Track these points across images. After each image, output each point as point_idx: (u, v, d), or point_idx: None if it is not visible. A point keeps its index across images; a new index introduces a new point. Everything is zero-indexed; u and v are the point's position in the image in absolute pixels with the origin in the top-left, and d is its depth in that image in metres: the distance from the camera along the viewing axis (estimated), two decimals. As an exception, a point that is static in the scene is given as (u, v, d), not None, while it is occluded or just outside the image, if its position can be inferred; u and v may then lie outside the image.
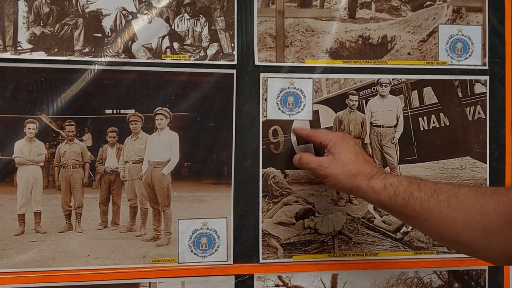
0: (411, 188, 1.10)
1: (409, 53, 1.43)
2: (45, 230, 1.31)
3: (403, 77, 1.43)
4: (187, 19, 1.34)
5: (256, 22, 1.36)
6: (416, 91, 1.43)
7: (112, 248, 1.33)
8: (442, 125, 1.44)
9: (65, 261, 1.31)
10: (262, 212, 1.37)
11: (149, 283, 1.34)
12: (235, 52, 1.35)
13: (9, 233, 1.29)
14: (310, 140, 1.34)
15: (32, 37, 1.28)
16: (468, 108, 1.44)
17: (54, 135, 1.30)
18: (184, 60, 1.34)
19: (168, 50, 1.33)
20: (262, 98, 1.37)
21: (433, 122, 1.43)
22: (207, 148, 1.35)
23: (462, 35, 1.44)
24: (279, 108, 1.38)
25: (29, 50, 1.28)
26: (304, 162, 1.28)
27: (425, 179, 1.19)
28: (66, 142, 1.31)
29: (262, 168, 1.37)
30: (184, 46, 1.34)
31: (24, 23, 1.28)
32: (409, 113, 1.43)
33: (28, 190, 1.30)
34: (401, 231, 1.43)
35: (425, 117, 1.43)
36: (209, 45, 1.34)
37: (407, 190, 1.10)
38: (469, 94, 1.44)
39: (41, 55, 1.28)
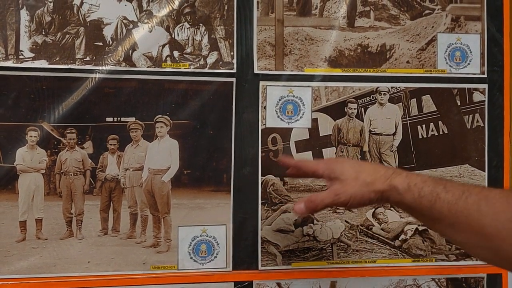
0: (437, 189, 1.00)
1: (408, 62, 1.43)
2: (46, 236, 1.31)
3: (402, 85, 1.43)
4: (187, 28, 1.34)
5: (256, 30, 1.37)
6: (415, 99, 1.43)
7: (112, 254, 1.33)
8: (441, 133, 1.44)
9: (66, 267, 1.31)
10: (261, 219, 1.38)
11: (149, 289, 1.35)
12: (234, 61, 1.36)
13: (11, 240, 1.30)
14: (299, 171, 1.20)
15: (34, 46, 1.29)
16: (467, 116, 1.44)
17: (55, 142, 1.31)
18: (184, 68, 1.34)
19: (168, 58, 1.34)
20: (261, 106, 1.37)
21: (432, 130, 1.43)
22: (206, 156, 1.36)
23: (461, 43, 1.44)
24: (278, 116, 1.38)
25: (31, 59, 1.29)
26: (319, 202, 1.11)
27: (451, 180, 1.12)
28: (67, 150, 1.31)
29: (261, 175, 1.38)
30: (184, 55, 1.34)
31: (26, 32, 1.29)
32: (408, 121, 1.43)
33: (29, 197, 1.30)
34: (400, 239, 1.43)
35: (423, 125, 1.43)
36: (209, 53, 1.35)
37: (433, 192, 1.00)
38: (467, 102, 1.44)
39: (42, 63, 1.29)
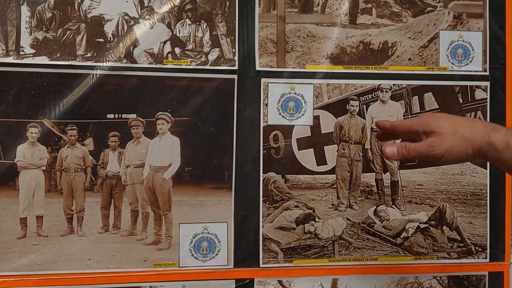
0: None
1: (410, 59, 1.41)
2: (47, 233, 1.30)
3: (404, 82, 1.41)
4: (189, 25, 1.33)
5: (257, 27, 1.35)
6: (416, 96, 1.42)
7: (113, 251, 1.32)
8: (443, 130, 1.42)
9: (66, 264, 1.30)
10: (263, 217, 1.36)
11: (150, 286, 1.33)
12: (236, 58, 1.34)
13: (11, 237, 1.28)
14: (395, 131, 1.13)
15: (35, 42, 1.27)
16: (469, 113, 1.43)
17: (56, 139, 1.30)
18: (186, 65, 1.33)
19: (169, 55, 1.32)
20: (263, 103, 1.36)
21: (434, 128, 1.42)
22: (208, 153, 1.34)
23: (463, 41, 1.42)
24: (280, 113, 1.36)
25: (31, 55, 1.27)
26: (412, 151, 1.07)
27: None
28: (68, 146, 1.30)
29: (263, 173, 1.36)
30: (186, 51, 1.33)
31: (27, 28, 1.27)
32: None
33: (30, 193, 1.29)
34: (401, 236, 1.41)
35: (425, 123, 1.41)
36: (210, 50, 1.33)
37: None
38: (469, 99, 1.43)
39: (43, 59, 1.27)
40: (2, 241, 1.27)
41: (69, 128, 1.29)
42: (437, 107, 1.42)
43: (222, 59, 1.34)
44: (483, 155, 1.03)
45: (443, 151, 1.03)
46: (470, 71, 1.43)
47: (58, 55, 1.28)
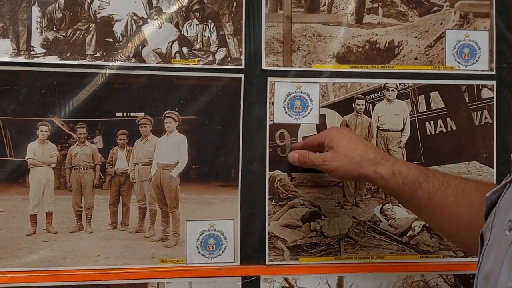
0: (420, 178, 1.07)
1: (416, 58, 1.39)
2: (57, 230, 1.29)
3: (410, 81, 1.38)
4: (196, 25, 1.31)
5: (264, 27, 1.33)
6: (423, 95, 1.39)
7: (121, 248, 1.30)
8: (449, 129, 1.39)
9: (75, 260, 1.29)
10: (269, 215, 1.34)
11: (158, 283, 1.31)
12: (243, 57, 1.32)
13: (22, 233, 1.27)
14: (307, 147, 1.30)
15: (45, 42, 1.26)
16: (475, 113, 1.40)
17: (66, 137, 1.28)
18: (193, 64, 1.31)
19: (177, 54, 1.31)
20: (269, 102, 1.34)
21: (440, 127, 1.39)
22: (214, 151, 1.32)
23: (469, 40, 1.39)
24: (286, 112, 1.34)
25: (42, 54, 1.26)
26: (308, 160, 1.25)
27: (434, 169, 1.14)
28: (77, 144, 1.29)
29: (269, 171, 1.34)
30: (193, 51, 1.31)
31: (37, 28, 1.26)
32: (416, 118, 1.39)
33: (40, 191, 1.28)
34: (408, 235, 1.38)
35: (432, 122, 1.39)
36: (217, 49, 1.32)
37: (416, 180, 1.07)
38: (476, 99, 1.40)
39: (54, 59, 1.26)
40: (12, 238, 1.26)
41: (79, 126, 1.28)
42: (444, 106, 1.39)
43: (229, 58, 1.32)
44: (370, 181, 1.17)
45: (333, 167, 1.18)
46: (477, 70, 1.40)
47: (68, 54, 1.27)
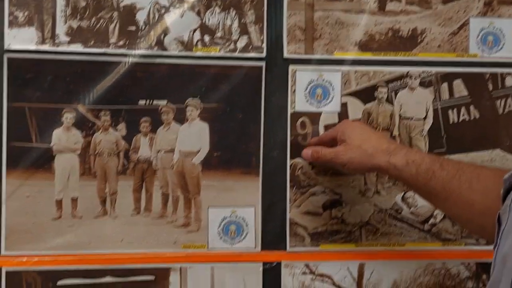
0: (433, 167, 1.06)
1: (439, 46, 1.37)
2: (81, 215, 1.30)
3: (433, 69, 1.36)
4: (218, 13, 1.31)
5: (286, 15, 1.32)
6: (446, 83, 1.37)
7: (145, 233, 1.32)
8: (472, 118, 1.37)
9: (100, 245, 1.30)
10: (290, 202, 1.34)
11: (180, 267, 1.32)
12: (264, 45, 1.32)
13: (47, 218, 1.29)
14: (322, 142, 1.28)
15: (70, 30, 1.27)
16: (499, 101, 1.37)
17: (90, 124, 1.30)
18: (215, 52, 1.31)
19: (199, 43, 1.31)
20: (291, 90, 1.33)
21: (463, 115, 1.37)
22: (236, 139, 1.33)
23: (494, 28, 1.37)
24: (307, 100, 1.34)
25: (66, 43, 1.27)
26: (321, 155, 1.23)
27: (447, 158, 1.13)
28: (101, 132, 1.30)
29: (290, 158, 1.34)
30: (215, 39, 1.31)
31: (62, 17, 1.27)
32: (439, 106, 1.37)
33: (65, 176, 1.30)
34: (429, 223, 1.37)
35: (455, 110, 1.37)
36: (239, 38, 1.31)
37: (430, 169, 1.06)
38: (499, 86, 1.37)
39: (78, 47, 1.27)
40: (38, 222, 1.28)
41: (103, 113, 1.29)
42: (467, 94, 1.37)
43: (251, 47, 1.32)
44: (384, 172, 1.16)
45: (345, 160, 1.17)
46: (501, 58, 1.37)
47: (92, 43, 1.28)
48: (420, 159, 1.08)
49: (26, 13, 1.26)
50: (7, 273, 1.27)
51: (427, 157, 1.09)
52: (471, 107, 1.37)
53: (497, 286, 0.72)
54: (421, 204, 1.37)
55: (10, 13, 1.25)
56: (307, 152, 1.28)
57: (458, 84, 1.37)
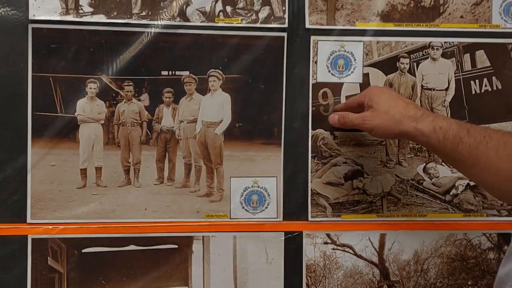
0: (461, 133, 1.06)
1: (461, 16, 1.35)
2: (106, 184, 1.31)
3: (455, 40, 1.35)
4: (240, -17, 1.31)
5: (308, -15, 1.32)
6: (468, 54, 1.35)
7: (168, 202, 1.32)
8: (495, 88, 1.36)
9: (124, 214, 1.31)
10: (311, 172, 1.34)
11: (203, 236, 1.33)
12: (286, 15, 1.31)
13: (72, 186, 1.30)
14: (348, 108, 1.28)
15: (93, 1, 1.28)
16: (523, 71, 1.36)
17: (113, 94, 1.30)
18: (237, 23, 1.30)
19: (221, 13, 1.30)
20: (312, 61, 1.32)
21: (485, 86, 1.36)
22: (258, 110, 1.32)
23: (517, -3, 1.35)
24: (329, 71, 1.33)
25: (90, 13, 1.28)
26: (348, 120, 1.24)
27: (474, 124, 1.12)
28: (125, 102, 1.31)
29: (312, 129, 1.33)
30: (237, 10, 1.31)
31: (88, -13, 1.28)
32: (461, 77, 1.35)
33: (89, 146, 1.31)
34: (451, 194, 1.36)
35: (477, 81, 1.36)
36: (260, 8, 1.31)
37: (457, 135, 1.06)
38: (523, 57, 1.36)
39: (101, 18, 1.28)
40: (64, 191, 1.30)
41: (126, 84, 1.30)
42: (489, 64, 1.35)
43: (272, 17, 1.31)
44: (411, 138, 1.15)
45: (373, 126, 1.17)
46: (524, 28, 1.36)
47: (115, 13, 1.28)
48: (447, 125, 1.08)
49: (50, -16, 1.26)
50: (33, 240, 1.29)
51: (454, 123, 1.09)
52: (494, 78, 1.35)
53: None
54: (443, 174, 1.36)
55: (35, -16, 1.26)
56: (333, 117, 1.29)
57: (481, 55, 1.35)
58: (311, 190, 1.34)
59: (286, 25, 1.31)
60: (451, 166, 1.33)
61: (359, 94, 1.27)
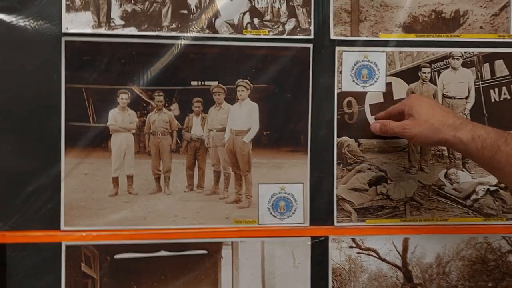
0: (498, 141, 1.08)
1: (481, 27, 1.37)
2: (137, 192, 1.33)
3: (475, 50, 1.37)
4: (267, -4, 1.33)
5: (332, -2, 1.34)
6: (487, 63, 1.37)
7: (197, 209, 1.34)
8: (514, 96, 1.38)
9: (155, 220, 1.33)
10: (337, 179, 1.36)
11: (232, 242, 1.35)
12: (311, 27, 1.33)
13: (105, 194, 1.32)
14: (389, 116, 1.30)
15: (124, 14, 1.29)
16: (540, 80, 1.38)
17: (144, 104, 1.32)
18: (264, 35, 1.32)
19: (248, 25, 1.32)
20: (337, 71, 1.34)
21: (504, 94, 1.38)
22: (284, 118, 1.34)
23: (535, 8, 1.38)
24: (354, 81, 1.35)
25: (121, 26, 1.29)
26: (389, 128, 1.25)
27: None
28: (155, 111, 1.32)
29: (337, 137, 1.35)
30: (264, 22, 1.32)
31: (116, 1, 1.29)
32: (481, 85, 1.38)
33: (121, 155, 1.32)
34: (471, 198, 1.39)
35: (496, 89, 1.38)
36: (287, 20, 1.33)
37: (495, 144, 1.08)
38: (541, 66, 1.38)
39: (132, 30, 1.29)
40: (96, 199, 1.31)
41: (156, 94, 1.31)
42: (508, 73, 1.37)
43: (298, 29, 1.33)
44: (450, 146, 1.18)
45: (413, 134, 1.19)
46: (542, 38, 1.38)
47: (146, 26, 1.29)
48: (485, 134, 1.10)
49: (83, -2, 1.28)
50: (67, 247, 1.30)
51: (493, 132, 1.11)
52: (512, 86, 1.38)
53: None
54: (464, 180, 1.38)
55: (68, -2, 1.27)
56: (375, 125, 1.30)
57: (500, 64, 1.37)
58: (337, 196, 1.36)
59: (311, 37, 1.33)
60: (473, 172, 1.36)
61: (400, 102, 1.28)
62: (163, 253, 1.33)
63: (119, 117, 1.31)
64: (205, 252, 1.34)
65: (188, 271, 1.34)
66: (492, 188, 1.38)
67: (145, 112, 1.32)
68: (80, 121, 1.30)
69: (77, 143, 1.30)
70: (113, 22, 1.29)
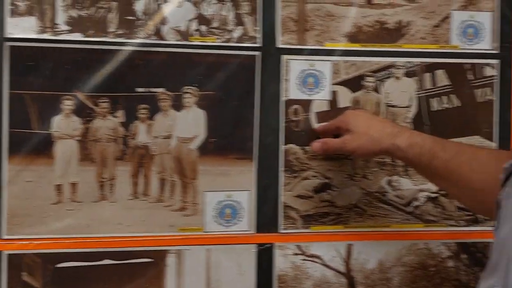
0: (435, 148, 1.10)
1: (422, 38, 1.40)
2: (81, 199, 1.30)
3: (417, 60, 1.40)
4: (214, 4, 1.32)
5: (279, 6, 1.33)
6: (429, 73, 1.40)
7: (142, 217, 1.32)
8: (454, 106, 1.41)
9: (99, 228, 1.30)
10: (283, 186, 1.36)
11: (177, 250, 1.33)
12: (258, 35, 1.33)
13: (48, 202, 1.28)
14: (328, 130, 1.31)
15: (70, 19, 1.26)
16: (479, 90, 1.41)
17: (89, 111, 1.29)
18: (211, 42, 1.32)
19: (196, 32, 1.31)
20: (284, 79, 1.35)
21: (444, 103, 1.41)
22: (231, 125, 1.33)
23: (474, 20, 1.41)
24: (300, 89, 1.35)
25: (67, 32, 1.26)
26: (330, 146, 1.26)
27: (449, 140, 1.19)
28: (100, 118, 1.30)
29: (283, 144, 1.35)
30: (211, 29, 1.32)
31: (62, 6, 1.26)
32: (422, 95, 1.40)
33: (65, 162, 1.29)
34: (413, 205, 1.41)
35: (437, 98, 1.41)
36: (234, 28, 1.32)
37: (432, 150, 1.09)
38: (479, 76, 1.41)
39: (77, 36, 1.26)
40: (39, 206, 1.27)
41: (101, 101, 1.29)
42: (448, 83, 1.40)
43: (246, 37, 1.33)
44: (390, 154, 1.19)
45: (354, 147, 1.21)
46: (480, 49, 1.41)
47: (92, 32, 1.27)
48: (422, 140, 1.12)
49: (27, 3, 1.24)
50: (9, 256, 1.26)
51: (429, 139, 1.13)
52: (452, 96, 1.41)
53: (494, 269, 0.74)
54: (406, 187, 1.40)
55: (11, 2, 1.23)
56: (316, 145, 1.30)
57: (440, 74, 1.40)
58: (283, 203, 1.36)
59: (259, 44, 1.33)
60: (415, 179, 1.38)
61: (336, 118, 1.29)
62: (107, 261, 1.31)
63: (63, 123, 1.28)
64: (150, 260, 1.33)
65: (132, 280, 1.32)
66: (433, 195, 1.40)
67: (90, 118, 1.29)
68: (23, 128, 1.26)
69: (20, 150, 1.26)
70: (58, 27, 1.26)
